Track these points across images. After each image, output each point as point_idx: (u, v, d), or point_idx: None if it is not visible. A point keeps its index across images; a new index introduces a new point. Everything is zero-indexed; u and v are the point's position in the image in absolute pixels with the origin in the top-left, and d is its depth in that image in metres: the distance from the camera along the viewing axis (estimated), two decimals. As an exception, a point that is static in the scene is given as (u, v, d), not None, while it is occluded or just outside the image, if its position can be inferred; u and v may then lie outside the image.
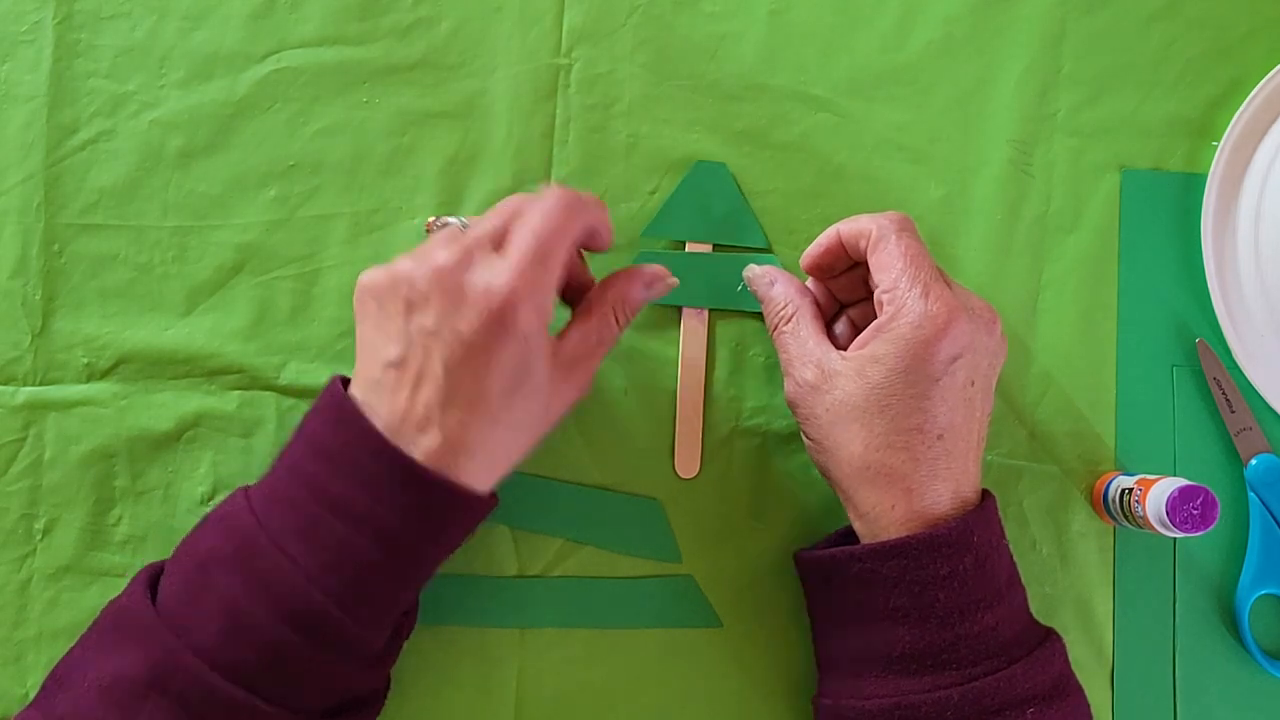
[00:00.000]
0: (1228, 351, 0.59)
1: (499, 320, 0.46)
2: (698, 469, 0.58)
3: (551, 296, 0.48)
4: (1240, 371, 0.59)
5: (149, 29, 0.59)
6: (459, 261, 0.47)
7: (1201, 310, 0.60)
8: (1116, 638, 0.58)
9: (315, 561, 0.45)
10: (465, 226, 0.51)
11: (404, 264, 0.47)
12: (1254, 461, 0.58)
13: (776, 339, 0.53)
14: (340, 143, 0.59)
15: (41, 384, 0.57)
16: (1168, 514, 0.52)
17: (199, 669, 0.44)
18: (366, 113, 0.59)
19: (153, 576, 0.49)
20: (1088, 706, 0.50)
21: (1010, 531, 0.52)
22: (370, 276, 0.48)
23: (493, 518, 0.50)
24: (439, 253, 0.47)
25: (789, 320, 0.53)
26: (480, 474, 0.47)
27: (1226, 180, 0.59)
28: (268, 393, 0.58)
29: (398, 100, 0.59)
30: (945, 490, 0.49)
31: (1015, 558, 0.51)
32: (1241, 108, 0.59)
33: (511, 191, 0.59)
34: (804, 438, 0.52)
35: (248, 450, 0.57)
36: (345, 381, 0.49)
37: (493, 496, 0.49)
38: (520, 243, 0.47)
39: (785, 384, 0.52)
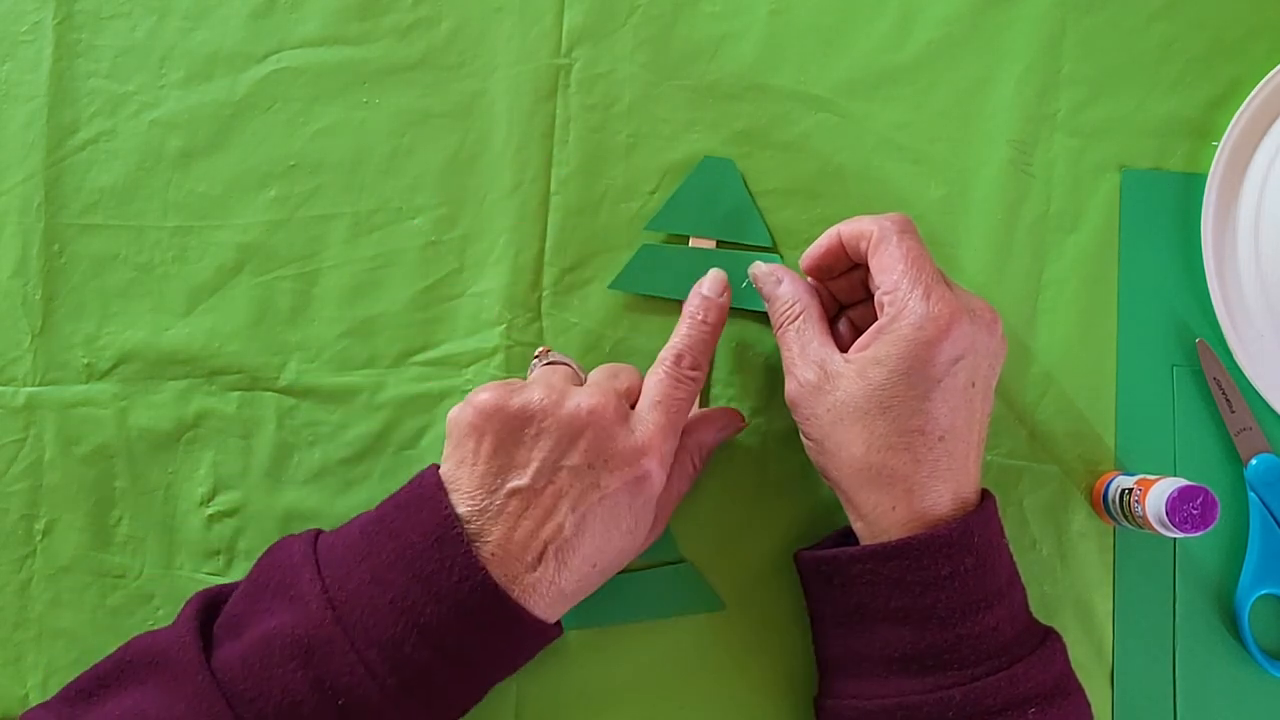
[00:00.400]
0: (1228, 351, 0.59)
1: (638, 481, 0.48)
2: (698, 469, 0.58)
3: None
4: (1240, 371, 0.59)
5: (149, 29, 0.59)
6: (616, 408, 0.48)
7: (1201, 310, 0.60)
8: (1116, 638, 0.58)
9: (395, 679, 0.45)
10: (579, 371, 0.53)
11: (536, 394, 0.48)
12: (1254, 461, 0.58)
13: (781, 338, 0.53)
14: (340, 143, 0.59)
15: (41, 384, 0.57)
16: (1168, 514, 0.52)
17: None
18: (366, 113, 0.59)
19: (201, 616, 0.48)
20: (1088, 706, 0.50)
21: (1010, 531, 0.52)
22: (498, 400, 0.48)
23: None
24: (583, 393, 0.48)
25: (795, 320, 0.53)
26: (560, 610, 0.49)
27: (1226, 180, 0.59)
28: (268, 393, 0.58)
29: (398, 100, 0.59)
30: (946, 491, 0.49)
31: (1015, 557, 0.51)
32: (1241, 108, 0.59)
33: (511, 191, 0.59)
34: (804, 439, 0.52)
35: (248, 450, 0.57)
36: (435, 473, 0.48)
37: (559, 625, 0.50)
38: (654, 407, 0.50)
39: (787, 384, 0.52)
